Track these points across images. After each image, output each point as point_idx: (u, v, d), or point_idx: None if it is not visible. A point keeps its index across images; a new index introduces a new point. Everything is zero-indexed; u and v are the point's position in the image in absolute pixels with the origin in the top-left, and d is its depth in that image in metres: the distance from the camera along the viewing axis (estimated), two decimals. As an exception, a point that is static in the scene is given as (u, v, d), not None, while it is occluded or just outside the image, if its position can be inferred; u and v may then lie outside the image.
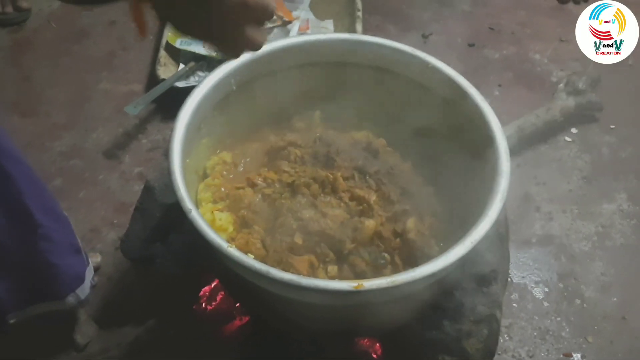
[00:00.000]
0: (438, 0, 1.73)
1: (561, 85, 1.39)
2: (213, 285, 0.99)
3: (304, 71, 0.91)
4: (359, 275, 0.76)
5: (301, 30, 1.55)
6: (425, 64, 0.86)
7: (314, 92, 0.94)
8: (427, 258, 0.69)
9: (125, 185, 1.23)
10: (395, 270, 0.77)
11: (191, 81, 1.38)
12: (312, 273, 0.76)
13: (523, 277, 1.09)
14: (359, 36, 0.93)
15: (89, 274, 0.91)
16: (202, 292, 1.00)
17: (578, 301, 1.05)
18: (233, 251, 0.65)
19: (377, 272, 0.76)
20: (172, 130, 0.76)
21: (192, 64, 1.41)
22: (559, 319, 1.03)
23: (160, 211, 0.95)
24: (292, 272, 0.74)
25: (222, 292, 0.98)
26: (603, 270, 1.10)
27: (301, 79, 0.92)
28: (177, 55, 1.44)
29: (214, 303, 0.99)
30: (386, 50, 0.89)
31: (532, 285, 1.08)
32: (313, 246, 0.76)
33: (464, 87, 0.83)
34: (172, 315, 1.00)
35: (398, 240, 0.79)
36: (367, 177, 0.83)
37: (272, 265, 0.75)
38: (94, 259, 1.10)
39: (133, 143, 1.32)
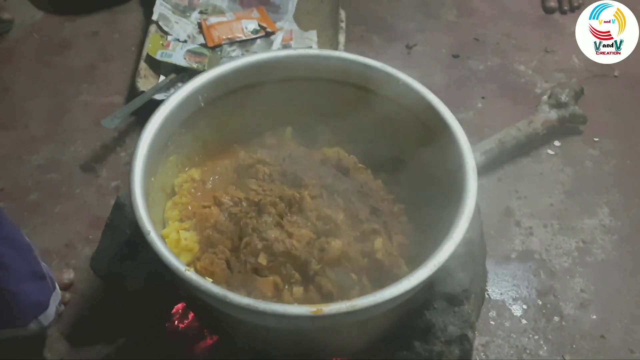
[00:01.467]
0: (423, 10, 1.72)
1: (544, 97, 1.37)
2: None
3: (274, 87, 0.90)
4: (326, 297, 0.75)
5: (285, 41, 1.54)
6: (396, 80, 0.85)
7: (285, 108, 0.93)
8: (395, 278, 0.68)
9: (102, 200, 1.21)
10: (363, 291, 0.75)
11: (171, 93, 1.36)
12: (277, 295, 0.74)
13: (501, 293, 1.07)
14: (329, 52, 0.92)
15: (55, 299, 0.89)
16: (174, 310, 0.99)
17: (557, 319, 1.04)
18: (190, 275, 0.64)
19: (344, 293, 0.75)
20: (134, 148, 0.75)
21: (172, 75, 1.39)
22: (536, 337, 1.01)
23: (130, 228, 0.94)
24: (257, 294, 0.73)
25: (194, 310, 0.96)
26: (583, 287, 1.08)
27: (272, 95, 0.91)
28: (157, 67, 1.43)
29: (185, 321, 0.98)
30: (357, 66, 0.88)
31: (511, 302, 1.06)
32: (278, 267, 0.75)
33: (433, 103, 0.81)
34: (144, 333, 0.98)
35: (366, 260, 0.77)
36: (336, 196, 0.81)
37: (237, 287, 0.75)
38: (67, 275, 1.08)
39: (111, 156, 1.30)
